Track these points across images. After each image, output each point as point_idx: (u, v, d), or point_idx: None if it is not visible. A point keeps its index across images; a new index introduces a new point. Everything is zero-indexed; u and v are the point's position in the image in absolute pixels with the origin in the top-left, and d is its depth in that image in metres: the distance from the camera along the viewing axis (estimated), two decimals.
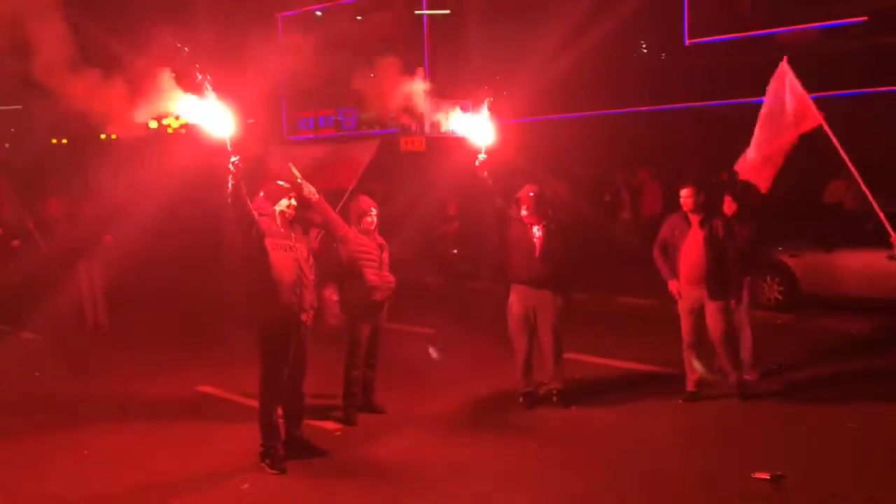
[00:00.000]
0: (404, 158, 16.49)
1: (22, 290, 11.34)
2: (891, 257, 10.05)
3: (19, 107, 23.00)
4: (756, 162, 8.19)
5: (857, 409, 7.22)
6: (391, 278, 7.40)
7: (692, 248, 7.43)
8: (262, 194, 6.51)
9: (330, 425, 7.21)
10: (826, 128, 5.77)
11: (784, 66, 8.01)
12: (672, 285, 7.60)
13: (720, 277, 7.39)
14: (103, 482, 6.26)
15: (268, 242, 6.33)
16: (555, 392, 7.59)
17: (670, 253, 7.62)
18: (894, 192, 9.21)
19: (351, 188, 9.59)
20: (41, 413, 8.01)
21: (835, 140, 7.18)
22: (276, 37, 23.32)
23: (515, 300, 7.56)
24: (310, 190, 6.84)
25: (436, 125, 15.53)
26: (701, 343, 7.59)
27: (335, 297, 7.40)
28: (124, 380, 9.06)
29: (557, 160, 11.07)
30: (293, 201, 6.51)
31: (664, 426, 7.07)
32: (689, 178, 7.65)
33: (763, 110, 8.26)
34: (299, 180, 6.78)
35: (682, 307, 7.62)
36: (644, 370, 8.64)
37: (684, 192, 7.45)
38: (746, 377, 7.76)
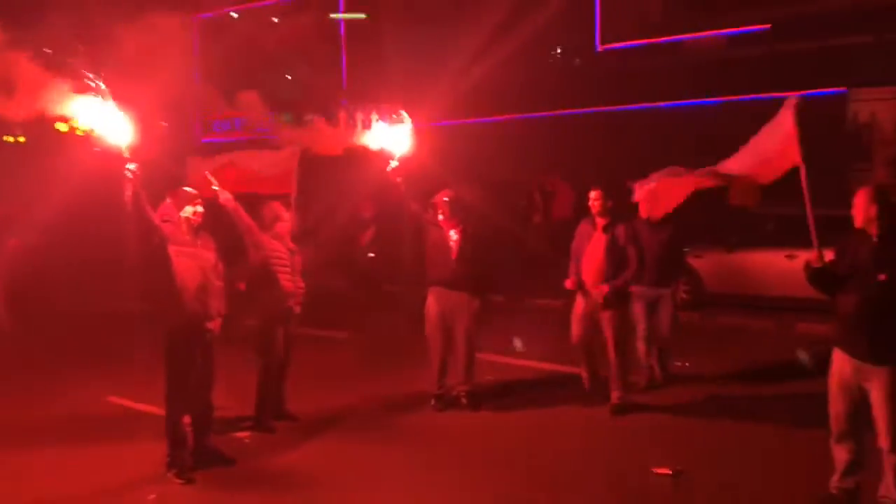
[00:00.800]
0: (320, 163, 16.37)
1: None
2: (790, 256, 10.49)
3: None
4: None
5: (755, 404, 7.50)
6: (302, 284, 7.39)
7: (594, 254, 7.45)
8: (168, 200, 6.42)
9: (239, 433, 7.14)
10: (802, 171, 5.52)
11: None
12: (568, 282, 7.59)
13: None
14: (5, 498, 6.09)
15: (172, 249, 6.23)
16: (464, 394, 7.68)
17: (579, 258, 7.63)
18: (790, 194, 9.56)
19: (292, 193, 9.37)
20: None
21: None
22: (191, 38, 22.95)
23: (432, 302, 7.64)
24: (225, 196, 6.81)
25: (353, 129, 15.49)
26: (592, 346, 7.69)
27: None
28: (25, 390, 8.78)
29: (472, 165, 11.18)
30: (199, 208, 6.43)
31: (572, 425, 7.22)
32: (599, 181, 7.70)
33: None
34: (215, 186, 6.75)
35: (577, 310, 7.63)
36: (556, 371, 8.80)
37: (593, 195, 7.50)
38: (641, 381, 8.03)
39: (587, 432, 7.04)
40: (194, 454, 6.39)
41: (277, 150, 9.36)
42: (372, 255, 13.04)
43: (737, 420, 7.13)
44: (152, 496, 5.98)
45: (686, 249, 11.20)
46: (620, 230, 7.45)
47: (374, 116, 7.57)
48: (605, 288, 7.31)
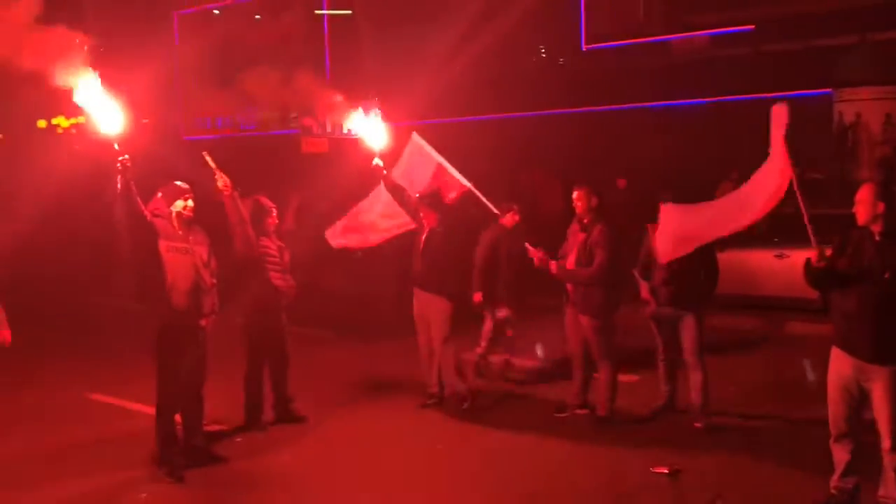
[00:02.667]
0: (305, 160, 16.27)
1: None
2: (780, 256, 10.51)
3: None
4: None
5: (743, 402, 7.49)
6: (293, 282, 7.28)
7: (571, 256, 7.10)
8: (159, 195, 6.29)
9: (230, 431, 7.04)
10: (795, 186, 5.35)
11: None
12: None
13: (586, 289, 6.98)
14: None
15: (162, 244, 6.12)
16: (452, 395, 7.59)
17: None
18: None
19: None
20: None
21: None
22: (172, 34, 22.75)
23: (414, 302, 7.65)
24: (224, 181, 6.63)
25: (338, 126, 15.35)
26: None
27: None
28: (6, 388, 8.59)
29: (455, 163, 11.07)
30: (190, 202, 6.31)
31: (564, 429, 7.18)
32: (583, 181, 7.38)
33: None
34: (214, 167, 6.61)
35: (567, 317, 7.25)
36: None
37: (576, 194, 7.20)
38: None
39: (581, 435, 6.97)
40: (184, 453, 6.28)
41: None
42: (359, 253, 12.91)
43: (732, 421, 7.08)
44: (144, 495, 5.90)
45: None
46: (597, 230, 7.00)
47: (361, 112, 7.54)
48: (552, 265, 6.99)
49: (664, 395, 7.26)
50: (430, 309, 7.49)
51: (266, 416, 7.25)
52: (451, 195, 7.50)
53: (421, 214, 7.52)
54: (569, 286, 7.11)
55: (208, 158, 6.61)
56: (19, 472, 6.44)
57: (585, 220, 7.08)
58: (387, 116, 7.39)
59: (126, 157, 5.77)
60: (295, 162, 16.41)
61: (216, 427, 6.96)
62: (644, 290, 7.14)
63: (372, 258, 10.85)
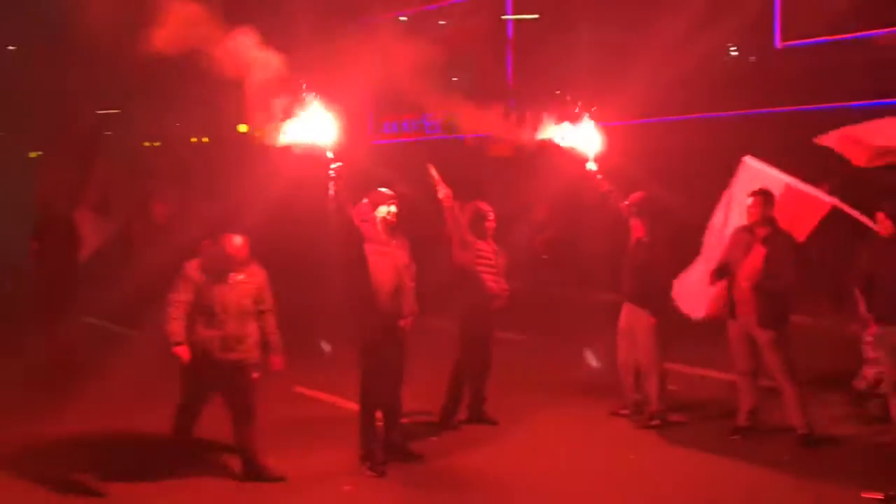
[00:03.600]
0: (490, 164, 16.47)
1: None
2: None
3: (117, 111, 23.76)
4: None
5: None
6: (506, 286, 7.38)
7: (750, 266, 6.71)
8: (365, 200, 6.58)
9: (426, 431, 7.24)
10: None
11: None
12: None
13: (773, 302, 6.67)
14: (200, 486, 6.26)
15: (368, 248, 6.41)
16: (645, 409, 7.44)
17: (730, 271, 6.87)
18: None
19: None
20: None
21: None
22: (361, 42, 23.62)
23: (622, 313, 7.47)
24: (445, 192, 6.93)
25: (532, 130, 15.37)
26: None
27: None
28: None
29: (659, 164, 10.71)
30: (393, 208, 6.57)
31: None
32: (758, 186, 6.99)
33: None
34: (436, 179, 6.90)
35: (734, 331, 6.96)
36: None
37: (750, 201, 6.80)
38: None
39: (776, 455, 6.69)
40: (384, 449, 6.53)
41: None
42: (545, 256, 12.98)
43: None
44: (347, 487, 6.15)
45: None
46: (782, 240, 6.70)
47: (546, 116, 7.50)
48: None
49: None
50: (639, 323, 7.31)
51: (459, 416, 7.41)
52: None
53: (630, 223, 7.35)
54: (740, 296, 6.79)
55: (432, 171, 6.88)
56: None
57: (764, 232, 6.73)
58: (593, 118, 7.24)
59: (339, 164, 6.09)
60: (480, 165, 16.61)
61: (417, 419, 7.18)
62: (863, 306, 6.65)
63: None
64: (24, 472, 6.46)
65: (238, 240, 6.23)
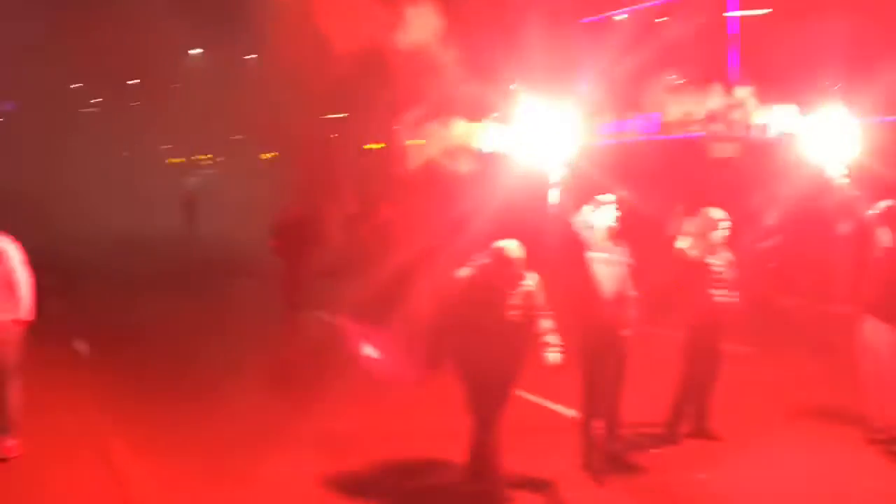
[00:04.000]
0: (711, 165, 15.88)
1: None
2: None
3: (345, 115, 24.85)
4: None
5: None
6: (737, 298, 7.11)
7: None
8: (589, 206, 6.53)
9: (648, 442, 7.08)
10: None
11: None
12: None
13: None
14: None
15: (591, 256, 6.36)
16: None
17: None
18: None
19: None
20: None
21: None
22: (579, 43, 23.46)
23: (866, 327, 6.91)
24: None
25: (760, 128, 14.68)
26: None
27: None
28: None
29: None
30: (617, 213, 6.49)
31: None
32: None
33: None
34: None
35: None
36: None
37: None
38: None
39: None
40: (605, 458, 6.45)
41: None
42: (772, 265, 12.29)
43: None
44: (569, 494, 6.14)
45: None
46: None
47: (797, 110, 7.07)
48: None
49: None
50: (883, 339, 6.78)
51: (682, 429, 7.19)
52: None
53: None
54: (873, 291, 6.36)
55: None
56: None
57: None
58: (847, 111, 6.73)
59: (564, 171, 6.09)
60: (697, 167, 16.06)
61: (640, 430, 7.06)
62: None
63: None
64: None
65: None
